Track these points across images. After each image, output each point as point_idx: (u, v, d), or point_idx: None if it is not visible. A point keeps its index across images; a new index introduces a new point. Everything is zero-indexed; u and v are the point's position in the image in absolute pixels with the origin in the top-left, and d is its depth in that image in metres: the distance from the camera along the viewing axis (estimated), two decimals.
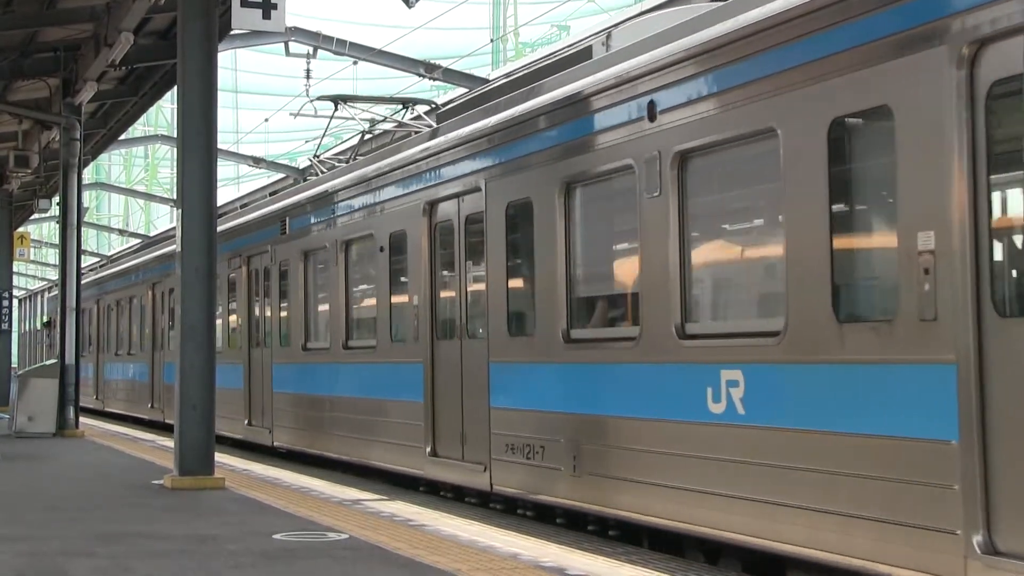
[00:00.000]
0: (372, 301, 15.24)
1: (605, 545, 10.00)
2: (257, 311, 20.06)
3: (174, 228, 13.37)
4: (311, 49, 23.48)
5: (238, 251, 20.93)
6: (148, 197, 59.91)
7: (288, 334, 18.31)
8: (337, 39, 22.65)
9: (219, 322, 21.45)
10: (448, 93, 18.17)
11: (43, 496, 12.09)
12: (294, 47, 23.16)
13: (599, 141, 10.28)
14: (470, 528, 9.62)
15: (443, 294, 13.36)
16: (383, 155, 15.34)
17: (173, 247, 14.74)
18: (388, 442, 14.42)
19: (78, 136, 21.94)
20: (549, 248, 10.94)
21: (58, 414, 20.85)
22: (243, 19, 12.73)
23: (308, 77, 26.06)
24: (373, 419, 14.96)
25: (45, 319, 47.32)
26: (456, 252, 12.88)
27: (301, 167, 32.58)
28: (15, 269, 36.71)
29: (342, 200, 16.31)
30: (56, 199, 25.87)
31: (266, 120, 41.83)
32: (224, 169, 44.47)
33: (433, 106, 18.07)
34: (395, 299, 14.46)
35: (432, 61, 22.59)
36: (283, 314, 18.63)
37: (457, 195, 12.82)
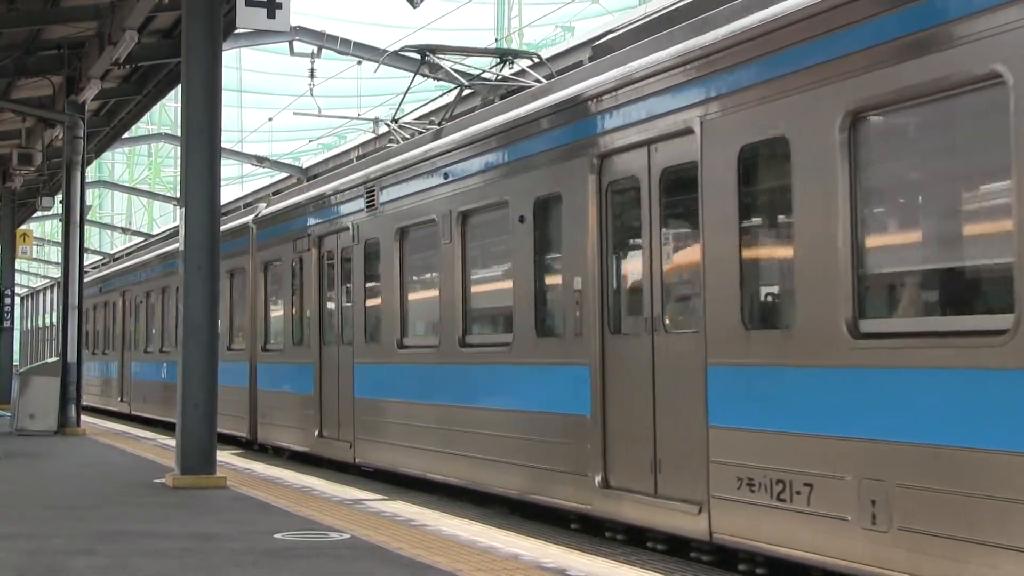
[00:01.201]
0: (504, 285, 12.14)
1: (604, 546, 9.99)
2: (332, 302, 16.84)
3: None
4: (315, 48, 23.58)
5: (305, 232, 17.74)
6: (151, 195, 59.99)
7: (377, 329, 15.12)
8: (341, 39, 22.72)
9: (280, 316, 19.32)
10: (450, 92, 18.01)
11: (44, 494, 12.09)
12: (298, 46, 23.25)
13: (923, 43, 7.13)
14: (471, 528, 9.63)
15: (621, 274, 10.45)
16: (520, 101, 12.37)
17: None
18: (531, 467, 11.36)
19: (81, 134, 21.99)
20: (822, 204, 7.89)
21: (60, 412, 20.91)
22: (248, 18, 12.75)
23: (312, 76, 26.17)
24: (504, 436, 11.85)
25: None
26: (644, 217, 9.89)
27: (305, 166, 32.68)
28: (17, 267, 36.71)
29: (458, 161, 13.07)
30: (59, 197, 25.91)
31: (270, 119, 41.94)
32: (228, 168, 44.50)
33: (537, 59, 16.58)
34: (542, 282, 11.54)
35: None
36: (370, 305, 15.51)
37: (648, 142, 9.85)
